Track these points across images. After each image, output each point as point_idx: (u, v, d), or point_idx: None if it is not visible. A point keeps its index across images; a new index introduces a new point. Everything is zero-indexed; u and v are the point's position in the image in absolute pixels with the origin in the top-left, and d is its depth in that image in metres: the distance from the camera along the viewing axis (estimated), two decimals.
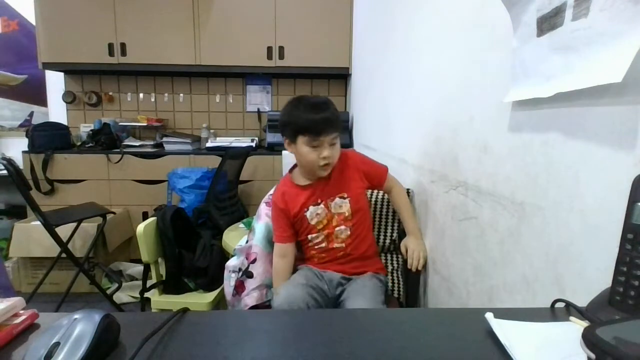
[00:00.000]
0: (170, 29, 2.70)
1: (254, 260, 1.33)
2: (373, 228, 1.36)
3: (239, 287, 1.34)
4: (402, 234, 1.36)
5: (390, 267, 1.36)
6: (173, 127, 3.14)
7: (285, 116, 1.16)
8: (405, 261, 1.28)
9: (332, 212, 1.21)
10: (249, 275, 1.32)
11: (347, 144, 2.70)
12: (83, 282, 2.20)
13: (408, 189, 1.35)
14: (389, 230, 1.39)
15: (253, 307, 1.28)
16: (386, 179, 1.28)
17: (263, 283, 1.32)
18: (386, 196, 1.38)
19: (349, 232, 1.22)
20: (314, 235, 1.23)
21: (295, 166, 1.28)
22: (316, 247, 1.24)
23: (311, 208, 1.21)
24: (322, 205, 1.21)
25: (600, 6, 0.51)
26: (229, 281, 1.36)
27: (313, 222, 1.21)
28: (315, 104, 1.12)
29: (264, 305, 1.30)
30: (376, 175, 1.28)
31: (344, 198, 1.21)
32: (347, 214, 1.21)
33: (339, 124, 1.15)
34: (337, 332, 0.42)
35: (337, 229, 1.21)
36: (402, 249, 1.27)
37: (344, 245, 1.22)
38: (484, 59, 0.90)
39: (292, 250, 1.25)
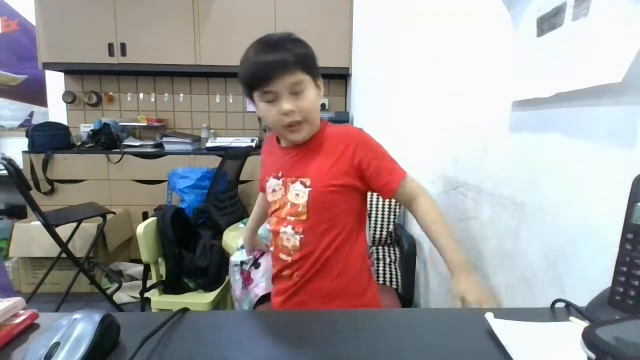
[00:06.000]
0: (170, 29, 2.70)
1: (262, 254, 1.33)
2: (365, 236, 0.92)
3: (247, 280, 1.32)
4: (397, 226, 1.32)
5: (388, 259, 1.35)
6: (173, 127, 3.14)
7: (239, 67, 0.83)
8: (403, 253, 1.23)
9: (287, 199, 0.86)
10: (257, 266, 1.31)
11: None
12: (83, 282, 2.20)
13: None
14: (385, 222, 1.38)
15: (262, 297, 1.27)
16: (398, 185, 0.82)
17: (270, 271, 1.32)
18: None
19: (297, 242, 0.84)
20: (270, 218, 0.93)
21: None
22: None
23: (271, 180, 0.90)
24: (280, 182, 0.88)
25: (600, 6, 0.52)
26: (234, 275, 1.34)
27: (270, 198, 0.91)
28: (268, 43, 0.80)
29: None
30: (381, 175, 0.83)
31: (305, 185, 0.84)
32: (300, 209, 0.83)
33: (302, 63, 0.79)
34: (337, 332, 0.42)
35: (283, 228, 0.85)
36: (456, 301, 0.71)
37: (289, 259, 0.86)
38: (484, 59, 0.90)
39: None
